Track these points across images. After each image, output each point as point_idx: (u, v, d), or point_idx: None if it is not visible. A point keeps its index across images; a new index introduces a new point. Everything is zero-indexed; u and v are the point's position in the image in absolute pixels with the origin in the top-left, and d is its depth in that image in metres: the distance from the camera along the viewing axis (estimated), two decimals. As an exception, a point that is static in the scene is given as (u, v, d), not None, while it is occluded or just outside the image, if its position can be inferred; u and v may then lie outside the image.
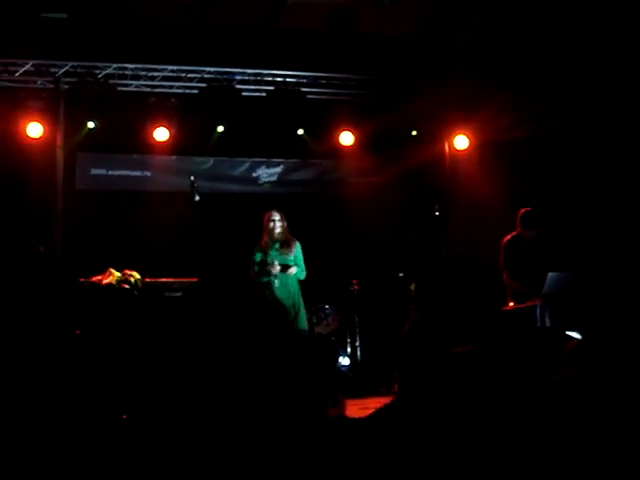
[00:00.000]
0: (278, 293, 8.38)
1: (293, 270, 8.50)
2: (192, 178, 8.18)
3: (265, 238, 8.60)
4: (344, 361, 9.61)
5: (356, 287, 9.93)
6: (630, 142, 9.19)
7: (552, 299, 7.91)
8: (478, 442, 1.40)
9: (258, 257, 8.60)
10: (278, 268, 8.46)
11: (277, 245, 8.56)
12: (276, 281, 8.46)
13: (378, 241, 10.71)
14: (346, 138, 11.24)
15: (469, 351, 1.51)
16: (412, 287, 8.75)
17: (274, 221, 8.58)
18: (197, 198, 8.11)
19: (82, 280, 8.66)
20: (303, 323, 8.62)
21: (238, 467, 1.72)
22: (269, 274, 8.46)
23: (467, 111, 11.03)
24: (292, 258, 8.55)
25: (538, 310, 8.03)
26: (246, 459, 1.71)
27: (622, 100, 9.19)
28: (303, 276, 8.64)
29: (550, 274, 7.92)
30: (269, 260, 8.49)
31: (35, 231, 9.58)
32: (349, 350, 9.73)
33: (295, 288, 8.60)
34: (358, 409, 7.90)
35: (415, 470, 1.56)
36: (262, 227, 8.64)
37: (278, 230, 8.57)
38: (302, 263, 8.64)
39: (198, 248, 8.67)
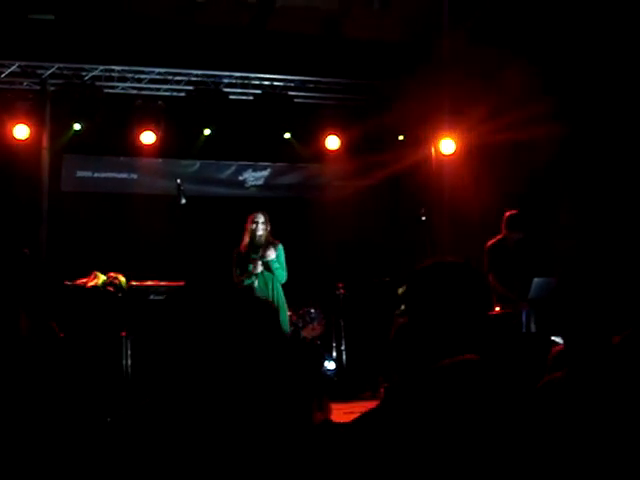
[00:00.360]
0: (258, 294, 8.22)
1: (272, 254, 8.44)
2: (178, 181, 8.18)
3: (246, 239, 8.54)
4: (329, 365, 9.61)
5: (342, 291, 9.94)
6: (616, 145, 9.21)
7: (538, 304, 7.96)
8: (462, 450, 1.41)
9: (239, 259, 8.55)
10: (260, 268, 8.42)
11: (258, 248, 8.48)
12: (256, 282, 8.42)
13: (364, 245, 10.74)
14: (332, 142, 11.22)
15: (457, 363, 1.52)
16: (400, 291, 8.79)
17: (257, 223, 8.50)
18: (183, 201, 8.10)
19: (67, 283, 8.65)
20: (285, 325, 8.55)
21: (223, 472, 1.71)
22: (250, 275, 8.42)
23: (454, 115, 11.05)
24: (274, 260, 8.47)
25: (524, 315, 8.08)
26: (232, 463, 1.71)
27: (610, 103, 9.22)
28: (284, 278, 8.56)
29: (536, 279, 7.96)
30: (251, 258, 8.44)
31: (20, 233, 9.53)
32: (334, 354, 9.73)
33: (277, 290, 8.54)
34: (343, 413, 7.89)
35: (399, 477, 1.56)
36: (244, 228, 8.57)
37: (260, 232, 8.49)
38: (283, 265, 8.55)
39: (184, 251, 8.66)
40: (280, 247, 8.58)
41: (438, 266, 2.54)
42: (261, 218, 8.55)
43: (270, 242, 8.55)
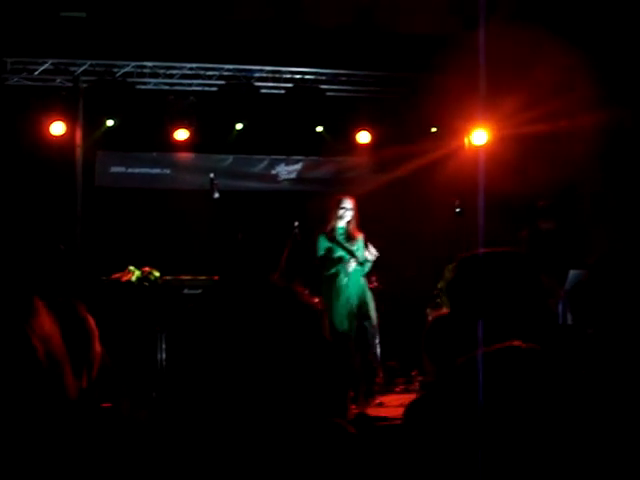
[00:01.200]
0: (347, 290, 8.05)
1: (353, 264, 8.12)
2: (211, 175, 8.19)
3: (332, 224, 8.24)
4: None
5: (375, 284, 9.87)
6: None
7: (574, 296, 7.85)
8: (519, 441, 1.36)
9: (324, 244, 8.20)
10: (354, 266, 8.16)
11: (343, 234, 8.23)
12: (345, 278, 8.12)
13: (397, 238, 10.66)
14: (364, 137, 11.22)
15: (510, 348, 1.47)
16: (440, 285, 8.70)
17: (344, 209, 8.22)
18: (216, 195, 8.11)
19: (103, 278, 8.70)
20: (373, 319, 8.32)
21: (261, 465, 1.69)
22: (338, 266, 8.13)
23: (488, 106, 10.94)
24: (355, 249, 8.19)
25: (560, 307, 7.98)
26: (269, 458, 1.68)
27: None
28: (367, 268, 8.33)
29: (572, 271, 7.86)
30: (335, 250, 8.15)
31: (56, 229, 9.61)
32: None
33: (363, 283, 8.31)
34: (375, 406, 7.90)
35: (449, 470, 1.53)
36: (329, 211, 8.32)
37: (348, 219, 8.21)
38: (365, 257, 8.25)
39: (217, 246, 8.66)
40: (361, 239, 8.29)
41: (490, 255, 2.50)
42: (349, 204, 8.24)
43: (355, 230, 8.27)
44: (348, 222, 8.18)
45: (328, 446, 1.71)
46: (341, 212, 8.15)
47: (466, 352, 2.22)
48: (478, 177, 11.15)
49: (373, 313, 8.27)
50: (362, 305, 8.12)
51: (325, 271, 8.16)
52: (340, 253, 8.16)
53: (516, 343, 1.50)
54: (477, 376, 1.41)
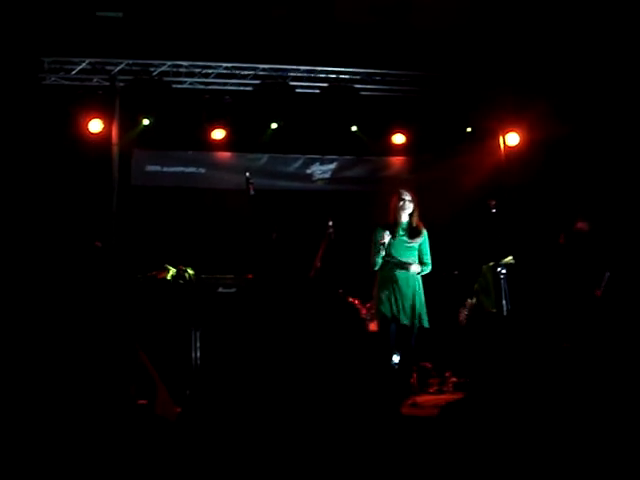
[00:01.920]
0: (401, 289, 7.51)
1: (415, 268, 7.54)
2: (247, 174, 8.21)
3: (392, 218, 7.60)
4: (395, 359, 9.52)
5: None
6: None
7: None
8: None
9: (379, 236, 7.47)
10: (417, 269, 7.58)
11: (404, 228, 7.63)
12: (401, 275, 7.54)
13: (432, 238, 10.63)
14: (399, 138, 11.25)
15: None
16: (476, 286, 8.66)
17: (404, 200, 7.57)
18: (252, 193, 8.13)
19: (139, 275, 8.75)
20: (425, 322, 7.61)
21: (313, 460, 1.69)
22: (396, 265, 7.53)
23: (520, 108, 10.90)
24: (416, 246, 7.65)
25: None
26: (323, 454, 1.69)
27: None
28: (428, 269, 7.72)
29: (608, 274, 7.80)
30: (389, 243, 7.48)
31: (92, 227, 9.69)
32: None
33: (419, 284, 7.65)
34: (408, 407, 7.86)
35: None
36: (389, 206, 7.65)
37: (408, 210, 7.58)
38: (428, 254, 7.73)
39: (252, 244, 8.67)
40: (425, 234, 7.71)
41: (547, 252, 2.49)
42: (407, 196, 7.59)
43: (418, 224, 7.64)
44: (410, 215, 7.60)
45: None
46: (401, 203, 7.53)
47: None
48: (512, 178, 11.18)
49: (424, 315, 7.63)
50: (415, 305, 7.54)
51: (382, 264, 7.59)
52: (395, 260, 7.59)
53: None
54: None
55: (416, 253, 7.66)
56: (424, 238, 7.66)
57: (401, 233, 7.58)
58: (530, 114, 10.66)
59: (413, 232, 7.60)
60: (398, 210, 7.55)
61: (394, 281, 7.53)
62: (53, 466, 1.69)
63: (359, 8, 10.09)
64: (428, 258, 7.68)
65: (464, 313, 9.43)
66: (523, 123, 11.06)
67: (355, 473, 1.69)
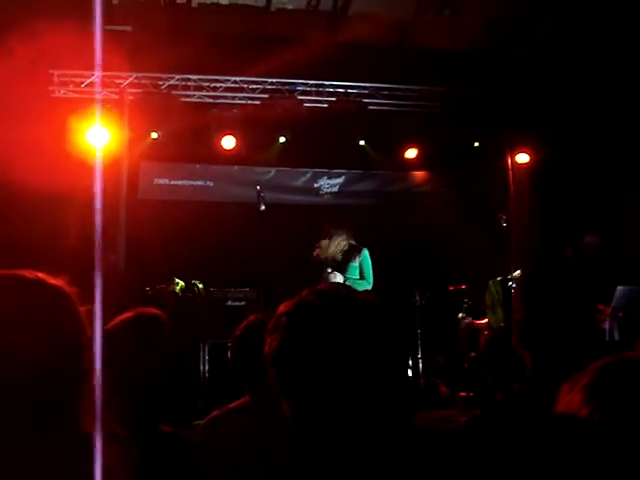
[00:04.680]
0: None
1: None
2: (258, 188, 8.22)
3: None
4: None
5: (418, 299, 9.82)
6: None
7: (622, 313, 7.76)
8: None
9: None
10: (341, 279, 8.00)
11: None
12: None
13: (441, 253, 10.62)
14: (411, 152, 11.28)
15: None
16: (488, 299, 8.63)
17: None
18: (262, 207, 8.13)
19: (147, 289, 8.75)
20: None
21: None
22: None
23: (528, 125, 10.92)
24: (356, 265, 8.09)
25: (607, 323, 7.88)
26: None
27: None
28: (368, 286, 8.05)
29: (620, 287, 7.77)
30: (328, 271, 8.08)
31: (100, 240, 9.66)
32: (411, 363, 9.62)
33: None
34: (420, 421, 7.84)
35: None
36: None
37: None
38: (369, 272, 8.12)
39: (260, 258, 8.66)
40: (365, 252, 8.13)
41: (555, 268, 2.48)
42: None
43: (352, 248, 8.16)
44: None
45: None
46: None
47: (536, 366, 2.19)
48: (521, 193, 11.20)
49: None
50: None
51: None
52: None
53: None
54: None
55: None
56: (363, 257, 8.08)
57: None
58: (539, 131, 10.68)
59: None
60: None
61: None
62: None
63: (366, 25, 10.14)
64: (367, 274, 8.10)
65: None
66: (532, 140, 11.09)
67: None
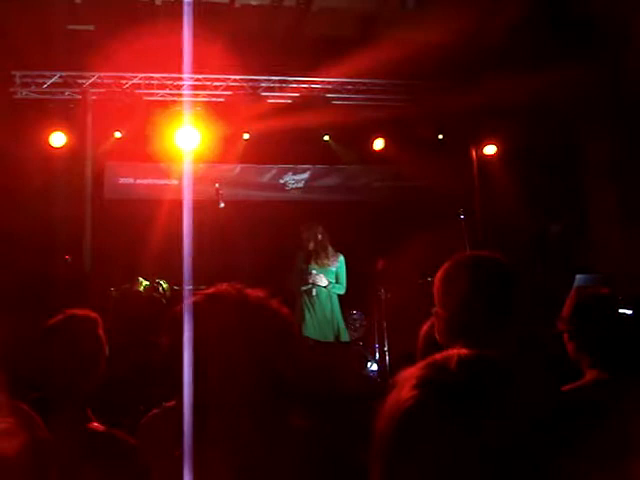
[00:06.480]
0: (319, 306, 8.57)
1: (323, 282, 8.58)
2: (217, 185, 8.25)
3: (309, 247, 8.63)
4: (372, 366, 9.56)
5: (384, 292, 9.86)
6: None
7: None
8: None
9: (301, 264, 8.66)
10: (325, 282, 8.60)
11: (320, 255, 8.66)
12: (317, 293, 8.62)
13: (405, 246, 10.66)
14: (376, 143, 11.32)
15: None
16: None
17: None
18: (222, 205, 8.15)
19: (111, 289, 8.73)
20: (345, 336, 8.84)
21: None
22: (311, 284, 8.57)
23: (494, 116, 10.97)
24: (333, 270, 8.62)
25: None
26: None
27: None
28: (342, 291, 8.76)
29: (578, 276, 7.85)
30: (311, 271, 8.54)
31: (64, 241, 9.64)
32: (377, 356, 9.67)
33: (335, 302, 8.74)
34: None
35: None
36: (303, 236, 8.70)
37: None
38: (344, 278, 8.72)
39: (225, 256, 8.67)
40: (341, 259, 8.77)
41: (473, 260, 2.52)
42: (319, 228, 8.69)
43: (331, 251, 8.78)
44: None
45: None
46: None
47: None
48: (481, 185, 11.27)
49: (343, 330, 8.88)
50: (332, 323, 8.72)
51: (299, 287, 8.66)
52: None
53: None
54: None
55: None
56: (340, 264, 8.74)
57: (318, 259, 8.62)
58: (505, 123, 10.72)
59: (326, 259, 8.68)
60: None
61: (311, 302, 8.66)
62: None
63: (329, 20, 10.16)
64: (342, 280, 8.82)
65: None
66: (497, 132, 11.14)
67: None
